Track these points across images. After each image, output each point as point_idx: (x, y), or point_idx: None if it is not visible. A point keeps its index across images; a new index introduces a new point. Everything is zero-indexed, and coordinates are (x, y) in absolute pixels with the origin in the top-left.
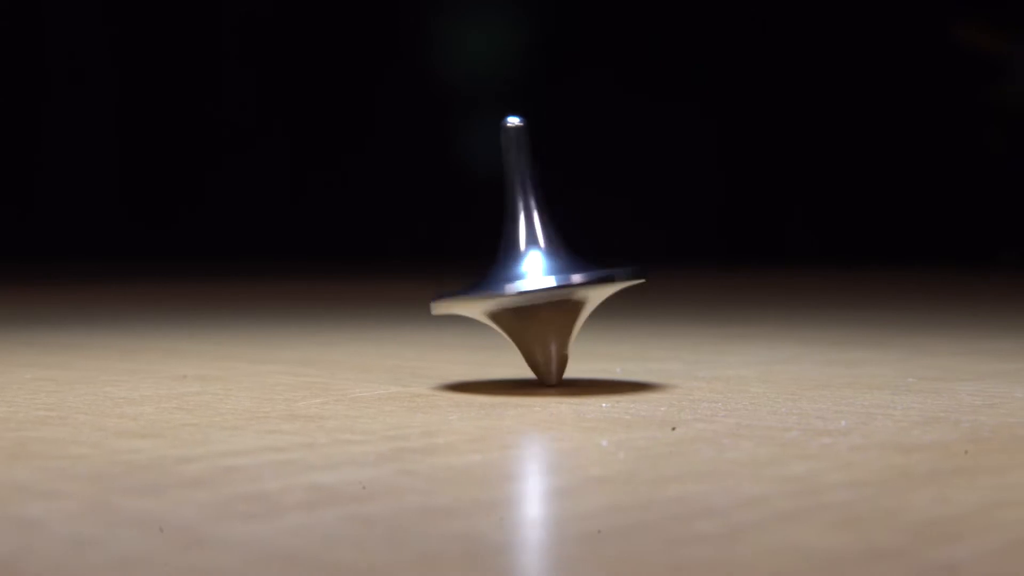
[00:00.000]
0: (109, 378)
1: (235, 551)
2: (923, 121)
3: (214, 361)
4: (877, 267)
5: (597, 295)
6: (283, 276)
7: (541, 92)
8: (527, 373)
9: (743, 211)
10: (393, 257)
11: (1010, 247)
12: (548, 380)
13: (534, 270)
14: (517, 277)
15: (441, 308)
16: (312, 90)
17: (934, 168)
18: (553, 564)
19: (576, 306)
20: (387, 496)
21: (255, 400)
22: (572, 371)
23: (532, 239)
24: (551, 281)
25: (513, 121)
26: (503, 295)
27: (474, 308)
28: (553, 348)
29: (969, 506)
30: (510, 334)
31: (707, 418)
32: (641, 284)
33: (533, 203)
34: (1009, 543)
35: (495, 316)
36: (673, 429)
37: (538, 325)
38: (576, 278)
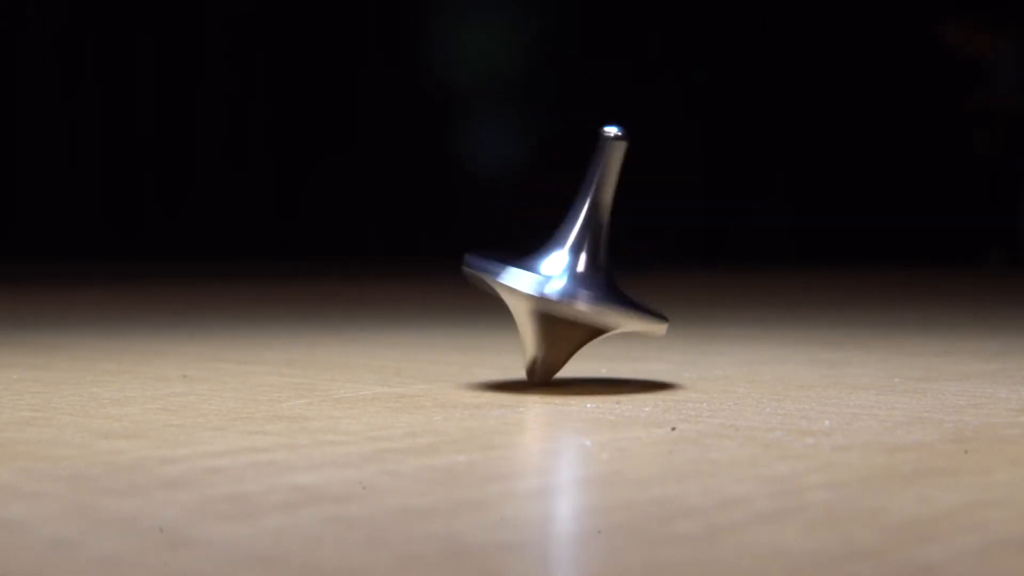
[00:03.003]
0: (94, 379)
1: (215, 552)
2: (910, 121)
3: (200, 362)
4: (862, 267)
5: (617, 326)
6: (269, 277)
7: (540, 92)
8: (511, 374)
9: (725, 211)
10: (382, 257)
11: (998, 248)
12: (532, 378)
13: (579, 283)
14: (565, 282)
15: (473, 271)
16: (301, 90)
17: (921, 168)
18: (534, 565)
19: (596, 331)
20: (368, 497)
21: (240, 401)
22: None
23: (582, 249)
24: (587, 306)
25: (614, 132)
26: (533, 295)
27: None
28: (557, 353)
29: (951, 506)
30: (519, 321)
31: (691, 418)
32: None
33: (603, 221)
34: (990, 543)
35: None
36: (673, 429)
37: (552, 329)
38: (613, 311)
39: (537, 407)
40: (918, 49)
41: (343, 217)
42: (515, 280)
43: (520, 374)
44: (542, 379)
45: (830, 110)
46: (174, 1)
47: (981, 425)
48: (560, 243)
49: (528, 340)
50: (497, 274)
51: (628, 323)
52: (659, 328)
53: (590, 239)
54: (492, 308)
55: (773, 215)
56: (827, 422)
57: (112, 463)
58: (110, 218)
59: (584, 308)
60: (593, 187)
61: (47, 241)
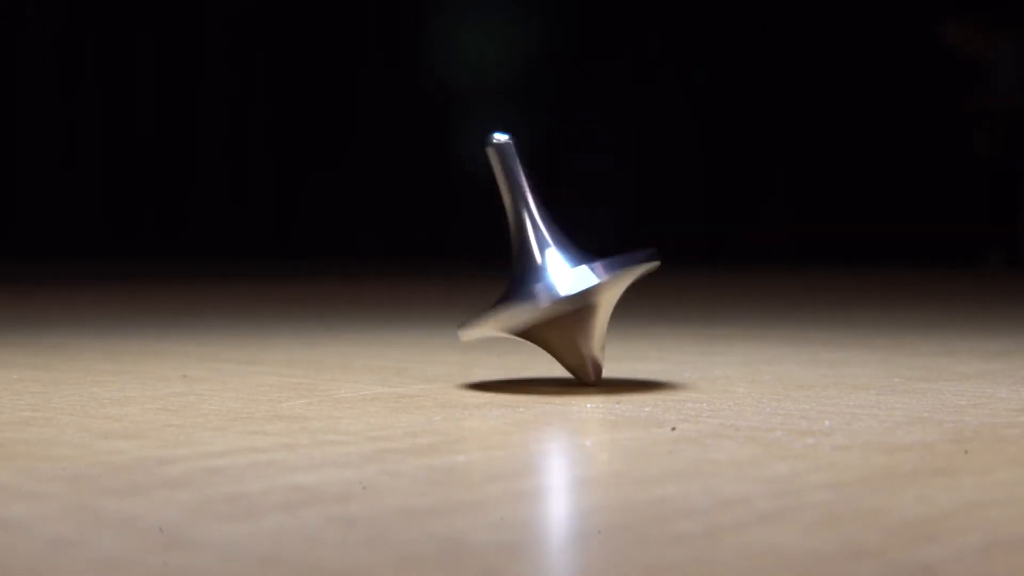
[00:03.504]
0: (94, 379)
1: (215, 552)
2: (910, 121)
3: (199, 362)
4: (862, 267)
5: (616, 287)
6: (269, 277)
7: (540, 92)
8: (511, 374)
9: (725, 210)
10: (381, 257)
11: (997, 248)
12: (587, 379)
13: (560, 276)
14: (548, 285)
15: (471, 332)
16: (301, 90)
17: (919, 168)
18: (534, 565)
19: (592, 306)
20: (368, 497)
21: (240, 401)
22: (557, 371)
23: (543, 245)
24: (591, 279)
25: (499, 138)
26: (545, 301)
27: (505, 324)
28: (584, 346)
29: (950, 506)
30: (541, 342)
31: (691, 418)
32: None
33: (534, 212)
34: (989, 543)
35: (524, 329)
36: (673, 429)
37: (561, 328)
38: (601, 272)
39: (537, 407)
40: (918, 49)
41: (343, 217)
42: (522, 306)
43: (520, 374)
44: (592, 377)
45: (830, 110)
46: (174, 1)
47: (981, 425)
48: (527, 251)
49: (575, 343)
50: (501, 312)
51: (635, 273)
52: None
53: (545, 229)
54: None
55: (773, 215)
56: (827, 422)
57: (112, 463)
58: (110, 218)
59: (614, 275)
60: (507, 190)
61: (47, 241)
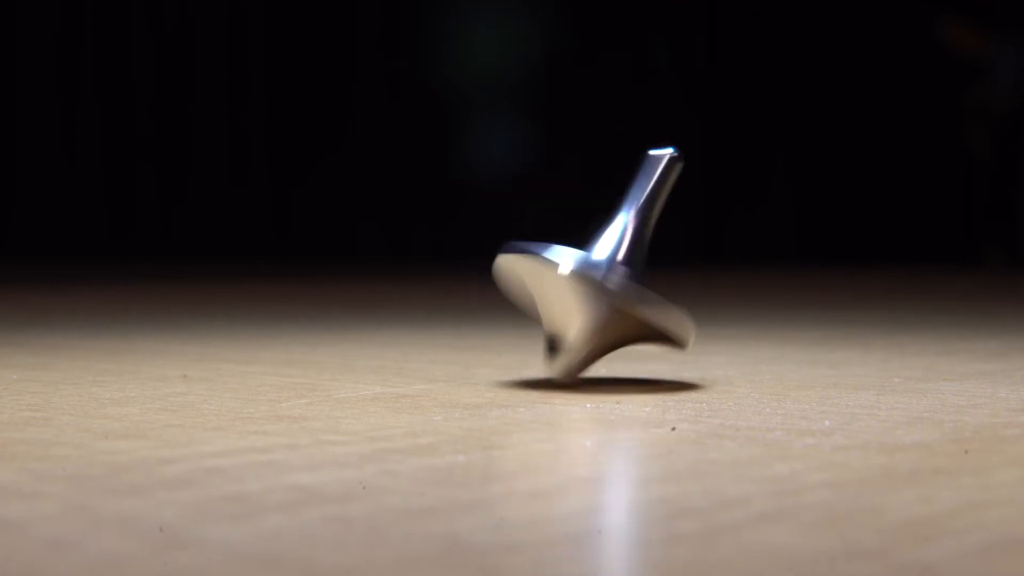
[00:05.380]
0: (94, 379)
1: (215, 552)
2: (907, 121)
3: (199, 362)
4: (862, 267)
5: (647, 316)
6: (269, 277)
7: (540, 92)
8: (511, 375)
9: (725, 209)
10: (382, 258)
11: (996, 248)
12: (555, 370)
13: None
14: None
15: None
16: (300, 90)
17: (918, 168)
18: (533, 565)
19: (626, 325)
20: (368, 497)
21: (239, 401)
22: None
23: (626, 254)
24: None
25: (664, 152)
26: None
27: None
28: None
29: (950, 506)
30: (556, 306)
31: (691, 418)
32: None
33: (647, 237)
34: (989, 543)
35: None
36: (673, 429)
37: (583, 315)
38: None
39: (537, 407)
40: (917, 48)
41: (343, 217)
42: (558, 255)
43: (520, 374)
44: (565, 374)
45: (830, 110)
46: (174, 1)
47: (981, 425)
48: (605, 245)
49: (559, 325)
50: (543, 251)
51: (659, 314)
52: (686, 330)
53: (632, 248)
54: (492, 308)
55: (773, 215)
56: (827, 422)
57: (112, 463)
58: (110, 218)
59: (618, 283)
60: (647, 201)
61: (47, 241)
